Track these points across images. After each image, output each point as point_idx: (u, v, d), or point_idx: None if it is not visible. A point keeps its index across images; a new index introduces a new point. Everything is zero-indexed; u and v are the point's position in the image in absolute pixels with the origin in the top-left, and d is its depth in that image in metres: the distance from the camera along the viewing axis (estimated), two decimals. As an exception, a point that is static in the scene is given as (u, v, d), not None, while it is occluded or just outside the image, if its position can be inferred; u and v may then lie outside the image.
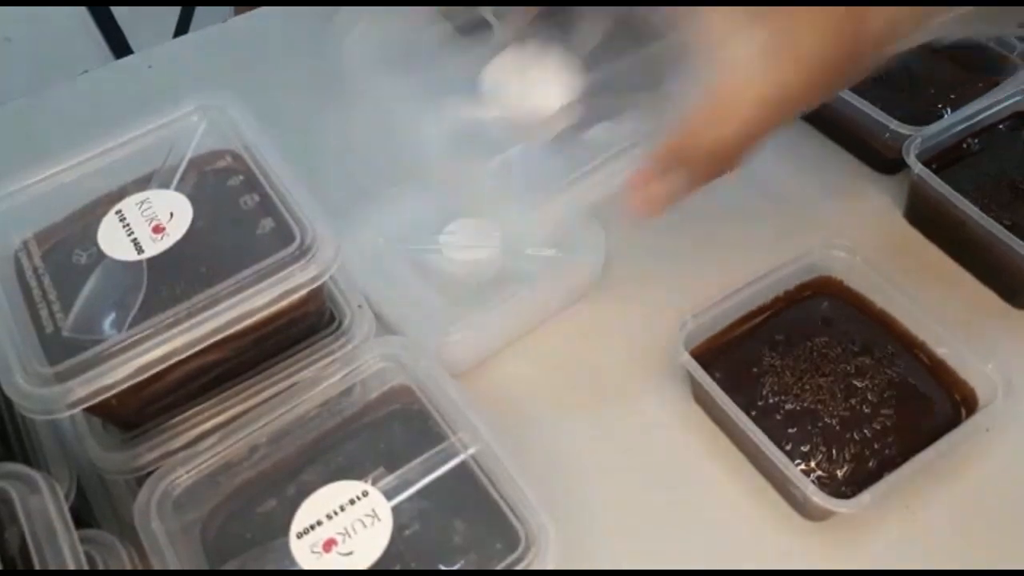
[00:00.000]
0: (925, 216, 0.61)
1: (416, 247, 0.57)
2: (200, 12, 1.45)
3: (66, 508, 0.39)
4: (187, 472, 0.44)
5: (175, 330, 0.40)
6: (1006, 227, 0.55)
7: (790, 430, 0.48)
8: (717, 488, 0.50)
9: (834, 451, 0.48)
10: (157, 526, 0.42)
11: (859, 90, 0.62)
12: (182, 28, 1.46)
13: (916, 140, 0.59)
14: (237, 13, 0.91)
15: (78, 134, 0.49)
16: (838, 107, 0.63)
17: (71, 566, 0.36)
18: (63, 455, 0.46)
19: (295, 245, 0.42)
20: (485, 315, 0.53)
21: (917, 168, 0.58)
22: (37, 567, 0.36)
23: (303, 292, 0.42)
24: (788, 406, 0.49)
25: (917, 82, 0.66)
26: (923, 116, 0.62)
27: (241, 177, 0.46)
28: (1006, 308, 0.58)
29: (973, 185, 0.59)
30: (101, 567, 0.41)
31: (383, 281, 0.55)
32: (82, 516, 0.46)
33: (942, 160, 0.60)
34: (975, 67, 0.66)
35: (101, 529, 0.44)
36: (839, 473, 0.47)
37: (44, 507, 0.38)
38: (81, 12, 1.44)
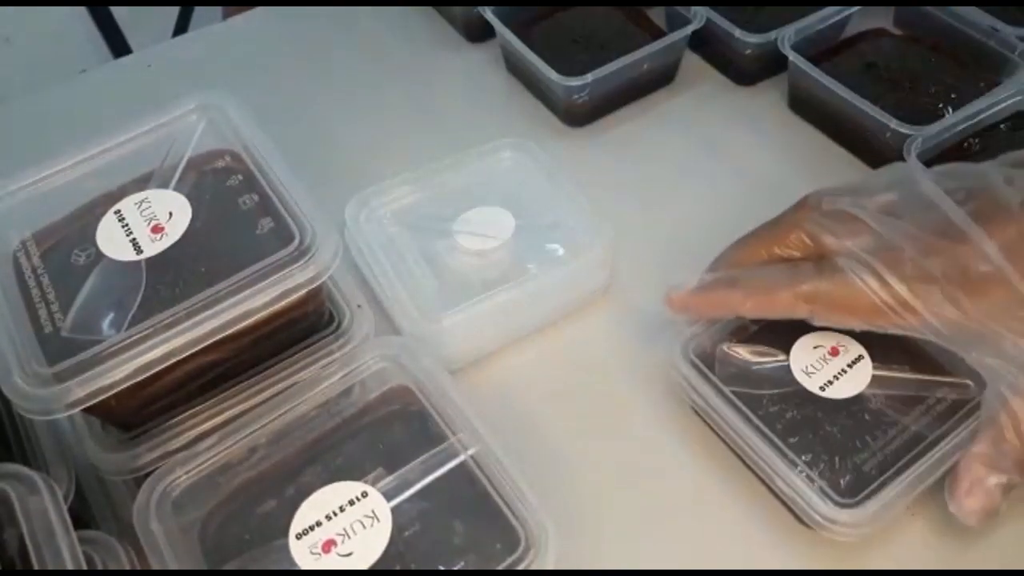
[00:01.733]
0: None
1: (426, 231, 0.57)
2: (199, 12, 1.45)
3: (65, 509, 0.38)
4: (186, 473, 0.44)
5: (174, 330, 0.40)
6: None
7: (791, 439, 0.48)
8: (717, 494, 0.50)
9: (837, 460, 0.47)
10: (156, 527, 0.42)
11: (860, 89, 0.62)
12: (181, 27, 1.46)
13: (917, 140, 0.59)
14: (226, 15, 0.91)
15: (77, 134, 0.49)
16: (839, 106, 0.63)
17: (70, 567, 0.36)
18: (62, 456, 0.46)
19: (294, 245, 0.42)
20: (481, 304, 0.53)
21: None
22: (36, 568, 0.36)
23: (302, 292, 0.42)
24: (789, 414, 0.49)
25: (918, 81, 0.66)
26: (924, 115, 0.61)
27: (240, 177, 0.46)
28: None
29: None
30: (100, 568, 0.41)
31: (386, 262, 0.55)
32: (81, 517, 0.46)
33: (943, 160, 0.60)
34: (976, 66, 0.66)
35: (100, 530, 0.44)
36: (842, 482, 0.47)
37: (43, 508, 0.38)
38: (80, 12, 1.43)
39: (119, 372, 0.39)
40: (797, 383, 0.49)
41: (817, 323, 0.48)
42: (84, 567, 0.37)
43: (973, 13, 0.67)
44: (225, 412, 0.45)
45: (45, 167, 0.47)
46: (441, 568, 0.41)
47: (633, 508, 0.50)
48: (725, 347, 0.51)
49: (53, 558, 0.36)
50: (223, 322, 0.40)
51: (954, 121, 0.60)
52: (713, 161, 0.66)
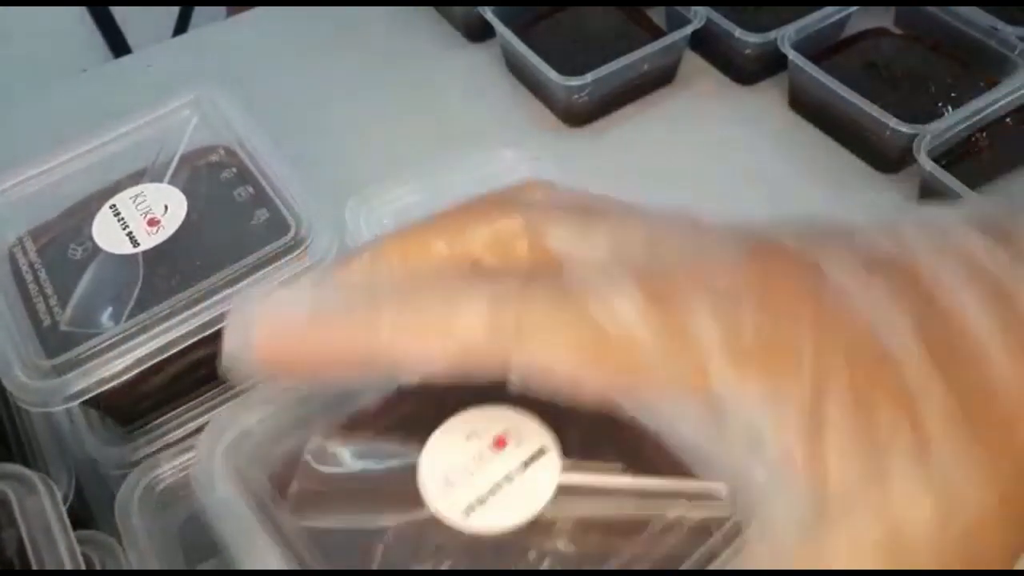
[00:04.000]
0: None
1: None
2: (199, 12, 1.45)
3: (63, 509, 0.38)
4: (171, 468, 0.43)
5: (172, 322, 0.40)
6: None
7: None
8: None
9: None
10: (137, 522, 0.41)
11: (860, 88, 0.62)
12: (181, 27, 1.46)
13: (926, 138, 0.58)
14: (230, 14, 0.91)
15: (77, 133, 0.49)
16: (839, 105, 0.63)
17: (68, 567, 0.36)
18: (61, 456, 0.46)
19: (290, 235, 0.43)
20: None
21: (928, 166, 0.57)
22: (34, 568, 0.36)
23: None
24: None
25: (917, 80, 0.66)
26: (923, 114, 0.61)
27: (234, 170, 0.46)
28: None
29: (985, 180, 0.58)
30: (99, 568, 0.41)
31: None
32: (80, 517, 0.46)
33: (951, 156, 0.60)
34: (975, 65, 0.66)
35: (99, 530, 0.44)
36: None
37: (41, 508, 0.38)
38: (81, 12, 1.44)
39: (118, 364, 0.39)
40: (424, 505, 0.28)
41: (522, 389, 0.24)
42: (83, 567, 0.37)
43: (973, 13, 0.67)
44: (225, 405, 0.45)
45: (39, 164, 0.47)
46: None
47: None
48: (316, 448, 0.30)
49: (51, 558, 0.36)
50: (220, 313, 0.41)
51: (961, 117, 0.60)
52: (713, 161, 0.66)
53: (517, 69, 0.73)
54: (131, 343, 0.40)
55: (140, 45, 1.22)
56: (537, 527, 0.28)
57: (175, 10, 1.46)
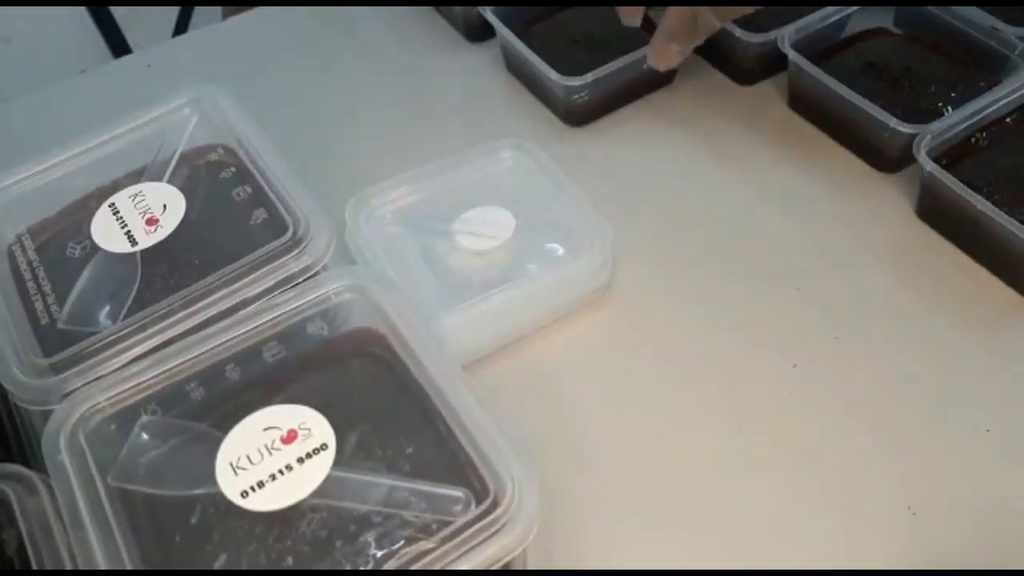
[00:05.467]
0: (939, 213, 0.60)
1: (426, 231, 0.57)
2: (199, 12, 1.45)
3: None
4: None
5: (169, 321, 0.40)
6: (1021, 222, 0.54)
7: None
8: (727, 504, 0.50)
9: None
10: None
11: (859, 88, 0.62)
12: (181, 27, 1.46)
13: (926, 137, 0.58)
14: (226, 15, 0.90)
15: (77, 133, 0.49)
16: (838, 105, 0.63)
17: (68, 567, 0.36)
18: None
19: (288, 236, 0.43)
20: (481, 304, 0.53)
21: (928, 166, 0.57)
22: (34, 568, 0.36)
23: (297, 282, 0.42)
24: (179, 536, 0.38)
25: (917, 80, 0.65)
26: (924, 114, 0.61)
27: (233, 169, 0.46)
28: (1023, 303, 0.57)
29: (985, 180, 0.58)
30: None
31: (386, 262, 0.55)
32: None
33: (951, 156, 0.60)
34: (976, 66, 0.66)
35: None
36: None
37: (42, 508, 0.38)
38: (80, 12, 1.44)
39: (114, 363, 0.39)
40: (215, 484, 0.35)
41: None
42: (82, 567, 0.37)
43: (973, 13, 0.67)
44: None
45: (39, 163, 0.48)
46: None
47: (629, 508, 0.49)
48: (146, 424, 0.38)
49: (52, 558, 0.36)
50: (217, 312, 0.41)
51: (961, 117, 0.60)
52: (713, 160, 0.66)
53: (517, 69, 0.72)
54: (128, 342, 0.40)
55: (140, 45, 1.22)
56: (297, 510, 0.34)
57: (175, 10, 1.46)
